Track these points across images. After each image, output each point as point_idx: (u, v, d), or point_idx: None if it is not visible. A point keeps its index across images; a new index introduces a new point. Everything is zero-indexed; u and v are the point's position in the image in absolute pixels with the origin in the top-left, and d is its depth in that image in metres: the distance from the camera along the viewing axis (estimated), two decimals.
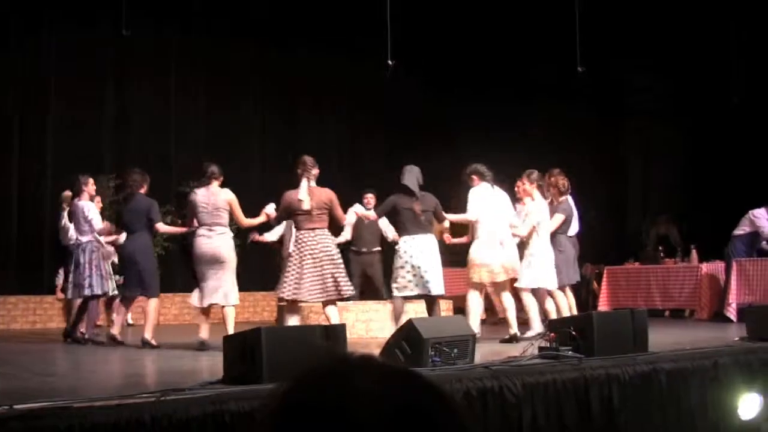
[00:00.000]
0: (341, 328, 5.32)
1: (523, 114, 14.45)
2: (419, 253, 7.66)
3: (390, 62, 10.82)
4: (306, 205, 7.39)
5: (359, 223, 10.60)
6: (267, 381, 4.57)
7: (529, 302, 8.15)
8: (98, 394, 4.44)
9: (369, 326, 8.79)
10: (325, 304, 7.44)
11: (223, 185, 8.12)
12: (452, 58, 14.58)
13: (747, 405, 5.89)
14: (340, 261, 7.52)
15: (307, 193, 7.44)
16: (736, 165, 12.90)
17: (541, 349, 6.07)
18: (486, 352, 6.48)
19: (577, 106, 13.99)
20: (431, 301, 7.85)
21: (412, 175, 7.84)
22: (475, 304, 8.01)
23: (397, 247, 7.95)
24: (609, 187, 14.31)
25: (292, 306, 7.53)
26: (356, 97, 14.36)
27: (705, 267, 11.22)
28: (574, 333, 5.95)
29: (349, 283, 7.59)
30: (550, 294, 8.35)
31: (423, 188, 7.95)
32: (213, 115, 13.62)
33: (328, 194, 7.57)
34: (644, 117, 14.85)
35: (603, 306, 11.46)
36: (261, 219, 8.16)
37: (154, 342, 8.13)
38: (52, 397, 4.26)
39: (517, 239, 8.29)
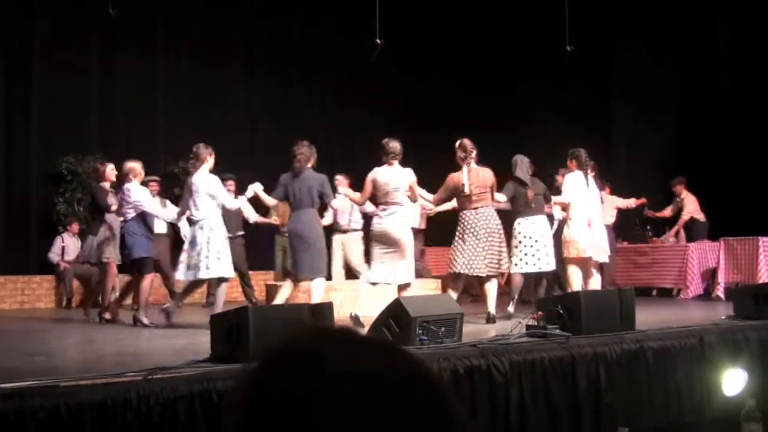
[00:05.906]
0: (328, 306, 5.33)
1: (509, 94, 14.43)
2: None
3: (378, 41, 10.74)
4: (467, 189, 7.81)
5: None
6: (253, 360, 4.57)
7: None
8: (85, 373, 4.43)
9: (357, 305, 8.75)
10: (487, 278, 7.85)
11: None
12: (440, 37, 14.55)
13: (732, 381, 5.94)
14: (503, 238, 7.97)
15: (468, 175, 7.84)
16: (725, 148, 12.91)
17: (528, 327, 6.10)
18: (475, 330, 6.49)
19: (565, 86, 13.93)
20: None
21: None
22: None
23: None
24: (597, 168, 14.38)
25: (458, 279, 7.90)
26: (347, 72, 14.23)
27: (693, 247, 11.25)
28: (561, 311, 5.98)
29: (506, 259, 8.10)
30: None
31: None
32: (201, 94, 13.47)
33: (486, 174, 7.98)
34: (633, 99, 14.81)
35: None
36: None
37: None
38: (38, 376, 4.25)
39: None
